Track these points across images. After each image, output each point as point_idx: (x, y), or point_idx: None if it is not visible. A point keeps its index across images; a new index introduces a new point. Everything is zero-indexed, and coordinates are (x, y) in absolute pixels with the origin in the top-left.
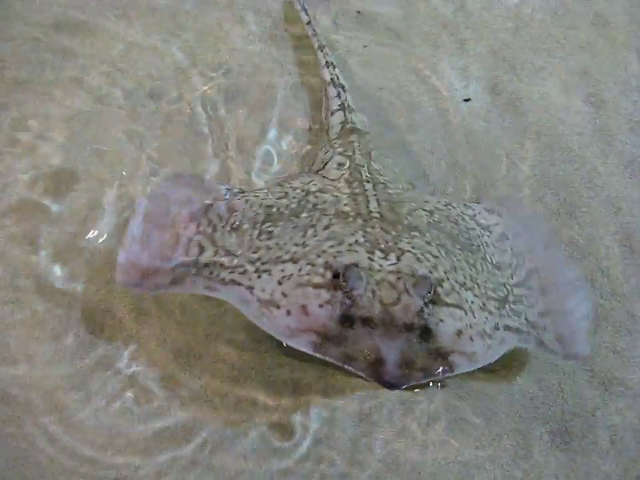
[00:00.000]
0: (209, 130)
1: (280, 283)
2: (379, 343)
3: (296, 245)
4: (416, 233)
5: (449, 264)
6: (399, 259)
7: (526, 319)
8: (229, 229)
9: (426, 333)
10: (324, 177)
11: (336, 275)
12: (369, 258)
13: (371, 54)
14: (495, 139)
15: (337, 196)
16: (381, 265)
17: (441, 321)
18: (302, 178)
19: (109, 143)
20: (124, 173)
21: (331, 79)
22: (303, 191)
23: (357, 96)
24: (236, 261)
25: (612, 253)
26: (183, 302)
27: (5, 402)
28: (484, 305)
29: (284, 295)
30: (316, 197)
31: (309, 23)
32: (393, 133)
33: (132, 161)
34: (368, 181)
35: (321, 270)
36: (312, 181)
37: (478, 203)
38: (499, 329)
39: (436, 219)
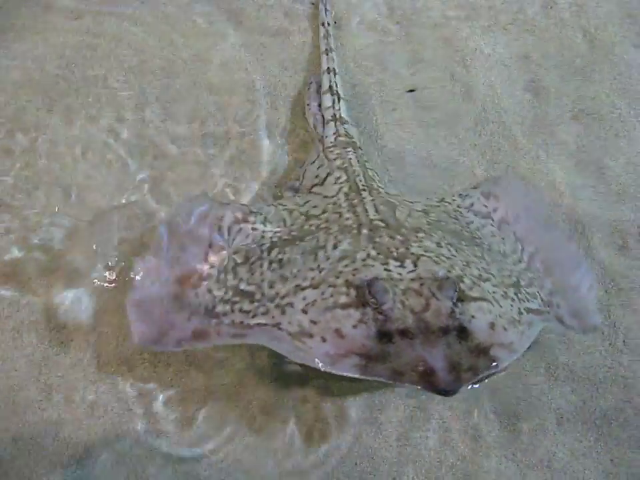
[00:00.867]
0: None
1: (305, 312)
2: (423, 353)
3: (311, 269)
4: (422, 235)
5: (462, 260)
6: (415, 264)
7: (541, 299)
8: (232, 265)
9: (462, 332)
10: (323, 195)
11: (360, 292)
12: (386, 269)
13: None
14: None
15: (338, 212)
16: (400, 274)
17: (473, 317)
18: (297, 199)
19: None
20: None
21: (330, 86)
22: (302, 214)
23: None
24: (255, 303)
25: None
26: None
27: None
28: (505, 292)
29: (313, 322)
30: (319, 219)
31: (323, 24)
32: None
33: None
34: (364, 189)
35: (344, 289)
36: (308, 201)
37: (474, 188)
38: (523, 313)
39: (434, 218)
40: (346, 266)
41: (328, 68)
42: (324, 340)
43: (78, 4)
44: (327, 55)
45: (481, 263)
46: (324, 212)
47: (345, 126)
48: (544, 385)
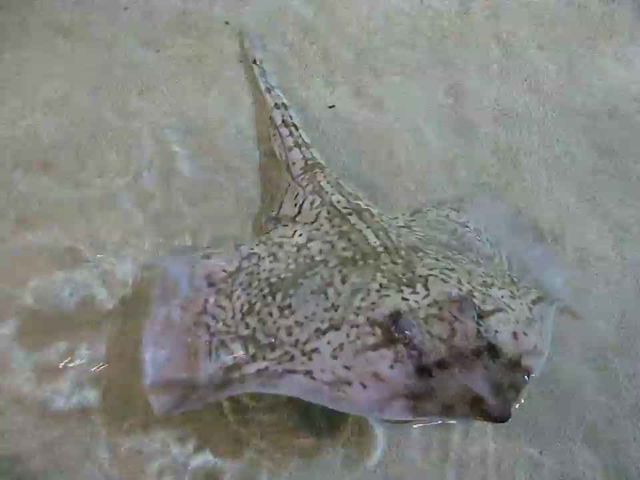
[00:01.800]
0: None
1: (335, 357)
2: (466, 381)
3: (325, 310)
4: (420, 254)
5: (463, 272)
6: (426, 287)
7: (535, 288)
8: (240, 317)
9: (493, 350)
10: (304, 222)
11: (386, 329)
12: (403, 298)
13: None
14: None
15: (328, 241)
16: (416, 302)
17: (496, 332)
18: (279, 231)
19: None
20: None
21: (283, 120)
22: (293, 246)
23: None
24: (277, 351)
25: None
26: None
27: None
28: (511, 292)
29: (347, 368)
30: (309, 248)
31: (255, 62)
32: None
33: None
34: (350, 213)
35: (369, 329)
36: (295, 231)
37: (440, 204)
38: (532, 308)
39: (421, 233)
40: (362, 300)
41: (276, 104)
42: (364, 386)
43: None
44: (270, 92)
45: (479, 269)
46: (310, 240)
47: (311, 149)
48: None
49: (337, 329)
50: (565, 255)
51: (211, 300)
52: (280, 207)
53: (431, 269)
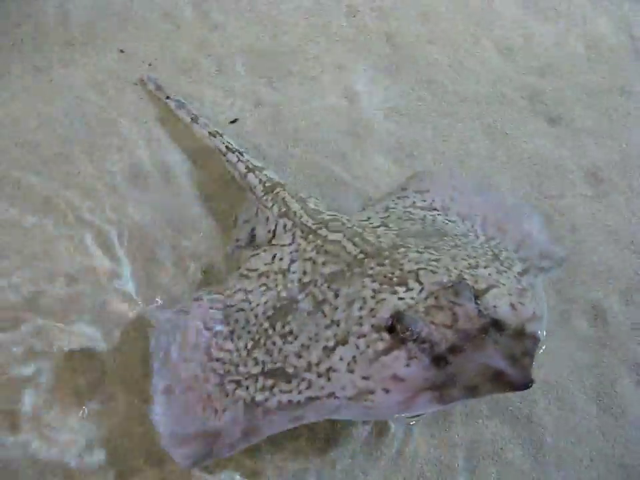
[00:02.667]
0: None
1: (352, 371)
2: (481, 360)
3: (327, 327)
4: (402, 249)
5: (447, 259)
6: (418, 281)
7: (517, 259)
8: (245, 354)
9: (497, 325)
10: (280, 245)
11: (391, 331)
12: (399, 298)
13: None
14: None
15: (308, 259)
16: (412, 298)
17: (495, 307)
18: (259, 259)
19: None
20: None
21: (226, 146)
22: (277, 273)
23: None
24: (293, 380)
25: None
26: None
27: None
28: (497, 268)
29: (365, 378)
30: (293, 272)
31: (168, 97)
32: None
33: None
34: (320, 228)
35: (375, 335)
36: (274, 255)
37: (403, 189)
38: (520, 280)
39: (395, 228)
40: (360, 309)
41: (209, 132)
42: (387, 391)
43: None
44: (197, 122)
45: (461, 252)
46: (292, 261)
47: (264, 172)
48: None
49: (344, 343)
50: None
51: (213, 343)
52: (252, 233)
53: (417, 262)
